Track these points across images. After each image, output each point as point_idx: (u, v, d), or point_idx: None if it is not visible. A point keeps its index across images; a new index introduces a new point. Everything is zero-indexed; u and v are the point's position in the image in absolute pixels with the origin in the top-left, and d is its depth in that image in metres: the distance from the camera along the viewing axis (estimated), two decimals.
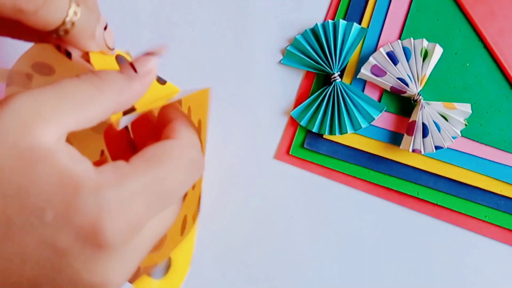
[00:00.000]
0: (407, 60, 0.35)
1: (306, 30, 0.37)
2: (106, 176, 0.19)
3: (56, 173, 0.18)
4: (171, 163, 0.20)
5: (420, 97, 0.34)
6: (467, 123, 0.34)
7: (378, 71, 0.35)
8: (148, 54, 0.22)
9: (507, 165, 0.35)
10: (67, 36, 0.21)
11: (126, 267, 0.20)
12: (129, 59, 0.25)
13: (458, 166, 0.35)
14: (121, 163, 0.20)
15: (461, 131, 0.34)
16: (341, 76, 0.36)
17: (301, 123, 0.36)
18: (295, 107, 0.37)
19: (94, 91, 0.20)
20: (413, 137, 0.34)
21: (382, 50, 0.35)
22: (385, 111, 0.36)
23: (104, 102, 0.20)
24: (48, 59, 0.24)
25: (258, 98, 0.37)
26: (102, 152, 0.28)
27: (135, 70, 0.22)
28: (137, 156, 0.20)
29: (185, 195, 0.25)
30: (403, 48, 0.35)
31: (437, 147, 0.34)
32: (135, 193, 0.19)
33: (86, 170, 0.18)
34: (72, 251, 0.18)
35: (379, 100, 0.36)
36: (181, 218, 0.26)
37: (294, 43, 0.37)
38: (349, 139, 0.36)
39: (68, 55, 0.22)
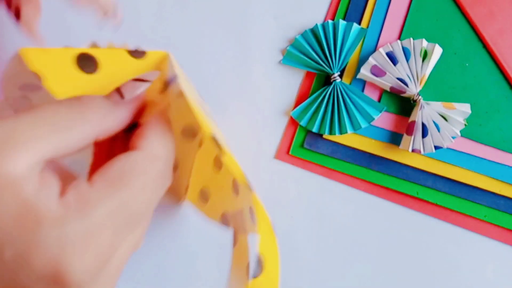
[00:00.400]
0: (407, 60, 0.35)
1: (306, 30, 0.37)
2: (68, 206, 0.17)
3: (16, 205, 0.17)
4: (136, 182, 0.19)
5: (420, 97, 0.34)
6: (466, 123, 0.34)
7: (377, 71, 0.35)
8: (138, 80, 0.21)
9: (506, 165, 0.35)
10: None
11: None
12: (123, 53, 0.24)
13: (457, 166, 0.35)
14: (83, 187, 0.18)
15: (460, 131, 0.34)
16: (341, 76, 0.36)
17: (301, 123, 0.36)
18: (295, 107, 0.37)
19: (75, 117, 0.19)
20: (412, 137, 0.34)
21: (381, 50, 0.35)
22: (385, 111, 0.36)
23: (85, 129, 0.19)
24: (30, 78, 0.22)
25: (258, 98, 0.37)
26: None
27: (121, 96, 0.21)
28: (100, 176, 0.19)
29: (220, 164, 0.24)
30: (403, 48, 0.35)
31: (436, 147, 0.34)
32: (101, 222, 0.18)
33: (49, 201, 0.17)
34: None
35: (379, 100, 0.36)
36: (229, 182, 0.25)
37: (294, 43, 0.37)
38: (349, 139, 0.36)
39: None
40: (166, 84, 0.22)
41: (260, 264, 0.22)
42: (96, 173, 0.19)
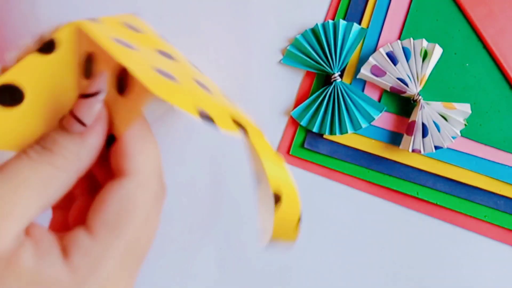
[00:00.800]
0: (407, 60, 0.35)
1: (306, 30, 0.37)
2: (78, 270, 0.16)
3: (25, 282, 0.16)
4: (137, 218, 0.17)
5: (420, 97, 0.34)
6: (466, 123, 0.34)
7: (378, 71, 0.35)
8: (85, 96, 0.18)
9: (506, 165, 0.35)
10: None
11: None
12: (137, 22, 0.21)
13: (457, 166, 0.35)
14: (86, 242, 0.17)
15: (460, 131, 0.34)
16: (341, 76, 0.36)
17: (301, 123, 0.36)
18: (295, 107, 0.37)
19: (50, 170, 0.17)
20: (412, 137, 0.34)
21: (381, 50, 0.35)
22: (385, 111, 0.36)
23: (64, 177, 0.17)
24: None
25: (258, 98, 0.37)
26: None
27: (82, 124, 0.18)
28: (98, 222, 0.17)
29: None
30: (403, 48, 0.35)
31: (436, 147, 0.34)
32: (114, 272, 0.17)
33: (56, 269, 0.16)
34: None
35: (379, 100, 0.36)
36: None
37: (294, 43, 0.37)
38: (349, 139, 0.36)
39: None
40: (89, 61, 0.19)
41: (276, 198, 0.20)
42: (92, 218, 0.17)
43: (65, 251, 0.17)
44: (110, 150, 0.19)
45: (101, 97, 0.18)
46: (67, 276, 0.16)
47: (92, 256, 0.17)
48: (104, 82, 0.18)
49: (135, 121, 0.19)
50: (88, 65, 0.19)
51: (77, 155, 0.18)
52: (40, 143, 0.18)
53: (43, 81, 0.18)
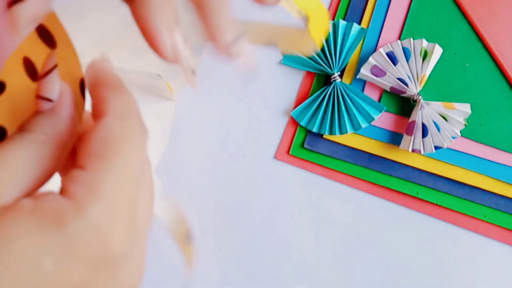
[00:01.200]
0: (407, 60, 0.35)
1: None
2: (78, 197, 0.17)
3: (26, 219, 0.17)
4: (120, 148, 0.18)
5: (420, 97, 0.34)
6: (466, 123, 0.34)
7: (377, 71, 0.35)
8: (43, 75, 0.19)
9: (506, 165, 0.35)
10: None
11: (141, 261, 0.19)
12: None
13: (457, 166, 0.35)
14: (79, 175, 0.18)
15: (460, 131, 0.34)
16: (341, 76, 0.36)
17: (301, 123, 0.36)
18: (295, 107, 0.37)
19: (35, 146, 0.18)
20: (412, 137, 0.34)
21: (381, 50, 0.35)
22: (385, 111, 0.36)
23: (51, 150, 0.19)
24: None
25: (258, 98, 0.37)
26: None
27: (49, 100, 0.19)
28: (87, 157, 0.18)
29: None
30: (403, 48, 0.35)
31: (436, 147, 0.34)
32: (114, 195, 0.18)
33: (56, 203, 0.17)
34: (90, 282, 0.17)
35: (379, 100, 0.36)
36: None
37: None
38: (349, 139, 0.36)
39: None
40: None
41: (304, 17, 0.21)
42: (81, 156, 0.19)
43: (61, 190, 0.18)
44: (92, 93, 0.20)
45: (55, 72, 0.19)
46: (66, 202, 0.17)
47: (86, 183, 0.18)
48: (54, 57, 0.19)
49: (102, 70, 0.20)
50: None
51: (55, 129, 0.19)
52: (21, 128, 0.19)
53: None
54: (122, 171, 0.18)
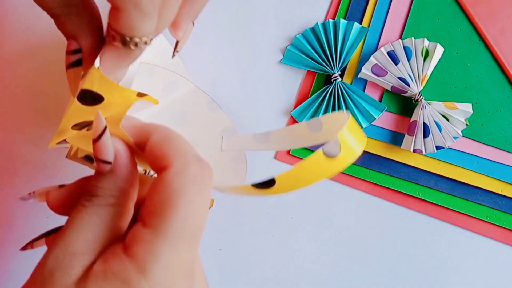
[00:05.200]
0: (408, 60, 0.34)
1: (306, 29, 0.36)
2: (138, 257, 0.19)
3: (97, 284, 0.19)
4: (179, 203, 0.19)
5: (421, 96, 0.34)
6: (468, 123, 0.34)
7: (379, 71, 0.35)
8: (96, 140, 0.21)
9: (508, 165, 0.35)
10: (137, 48, 0.21)
11: None
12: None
13: (459, 166, 0.35)
14: (139, 231, 0.19)
15: (462, 131, 0.34)
16: (341, 75, 0.36)
17: None
18: (295, 106, 0.37)
19: (103, 209, 0.20)
20: (414, 137, 0.34)
21: (383, 50, 0.35)
22: (386, 111, 0.35)
23: (119, 209, 0.21)
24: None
25: (259, 97, 0.37)
26: None
27: (107, 162, 0.21)
28: (148, 214, 0.19)
29: None
30: (404, 47, 0.35)
31: (438, 147, 0.34)
32: (171, 251, 0.19)
33: (120, 262, 0.19)
34: None
35: (380, 100, 0.36)
36: None
37: (294, 42, 0.36)
38: None
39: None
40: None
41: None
42: (144, 213, 0.20)
43: (125, 246, 0.20)
44: (145, 154, 0.21)
45: (107, 134, 0.20)
46: (130, 264, 0.18)
47: (146, 243, 0.19)
48: (102, 121, 0.20)
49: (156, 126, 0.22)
50: None
51: (118, 189, 0.21)
52: (88, 193, 0.21)
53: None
54: (179, 230, 0.19)
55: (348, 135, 0.22)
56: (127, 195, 0.21)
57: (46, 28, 0.38)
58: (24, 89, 0.38)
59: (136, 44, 0.21)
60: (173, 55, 0.28)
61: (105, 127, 0.20)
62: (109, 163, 0.20)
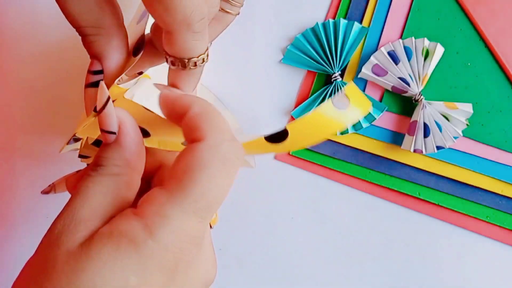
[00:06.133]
0: (409, 60, 0.34)
1: (306, 29, 0.36)
2: (146, 216, 0.19)
3: (103, 241, 0.19)
4: (202, 177, 0.19)
5: (422, 96, 0.34)
6: (468, 123, 0.34)
7: (379, 71, 0.35)
8: (99, 111, 0.21)
9: (508, 165, 0.35)
10: (196, 67, 0.22)
11: (211, 255, 0.23)
12: None
13: (459, 166, 0.35)
14: (154, 193, 0.20)
15: (462, 131, 0.34)
16: (342, 75, 0.36)
17: None
18: (295, 106, 0.36)
19: (109, 179, 0.21)
20: (414, 137, 0.34)
21: (383, 50, 0.35)
22: (386, 111, 0.35)
23: (124, 179, 0.21)
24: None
25: (259, 97, 0.37)
26: None
27: (112, 133, 0.21)
28: (168, 177, 0.20)
29: None
30: (404, 47, 0.35)
31: (438, 147, 0.33)
32: (181, 218, 0.19)
33: (128, 221, 0.19)
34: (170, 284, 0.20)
35: (380, 100, 0.36)
36: None
37: (295, 42, 0.36)
38: (350, 139, 0.36)
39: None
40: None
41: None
42: (166, 176, 0.20)
43: (137, 204, 0.20)
44: (182, 124, 0.22)
45: (110, 105, 0.21)
46: (137, 223, 0.19)
47: (157, 205, 0.19)
48: (105, 92, 0.21)
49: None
50: None
51: (123, 159, 0.21)
52: (94, 163, 0.21)
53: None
54: (195, 200, 0.19)
55: (355, 89, 0.22)
56: (132, 165, 0.21)
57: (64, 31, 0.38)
58: (37, 91, 0.38)
59: (195, 64, 0.22)
60: None
61: (108, 97, 0.20)
62: (114, 133, 0.21)
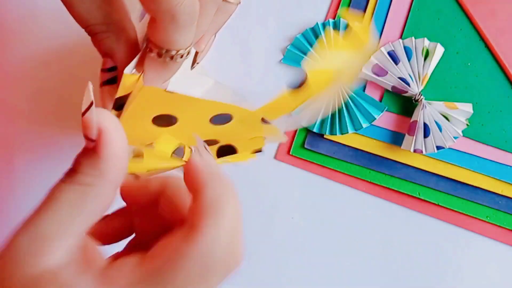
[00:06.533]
0: (408, 60, 0.34)
1: (306, 29, 0.36)
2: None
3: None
4: (184, 278, 0.19)
5: (422, 96, 0.34)
6: (468, 123, 0.34)
7: (379, 71, 0.35)
8: (84, 112, 0.19)
9: (508, 165, 0.35)
10: (173, 61, 0.21)
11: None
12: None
13: (459, 166, 0.35)
14: (129, 266, 0.19)
15: (462, 131, 0.34)
16: None
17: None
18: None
19: (79, 188, 0.19)
20: (414, 137, 0.34)
21: (383, 50, 0.35)
22: (386, 110, 0.35)
23: (94, 191, 0.19)
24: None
25: (258, 97, 0.37)
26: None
27: (91, 140, 0.19)
28: (150, 259, 0.19)
29: None
30: (404, 47, 0.35)
31: (438, 147, 0.33)
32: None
33: (88, 285, 0.18)
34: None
35: (380, 100, 0.36)
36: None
37: (295, 42, 0.36)
38: (350, 139, 0.36)
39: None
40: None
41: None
42: (146, 256, 0.19)
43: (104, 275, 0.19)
44: (190, 206, 0.21)
45: (92, 111, 0.19)
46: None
47: (129, 280, 0.18)
48: (89, 95, 0.19)
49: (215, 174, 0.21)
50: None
51: (98, 169, 0.19)
52: (71, 167, 0.20)
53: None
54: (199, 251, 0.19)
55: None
56: (107, 177, 0.19)
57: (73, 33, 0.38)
58: (50, 90, 0.38)
59: (172, 57, 0.21)
60: (193, 67, 0.28)
61: (91, 103, 0.19)
62: (93, 140, 0.19)
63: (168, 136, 0.24)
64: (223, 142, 0.28)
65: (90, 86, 0.19)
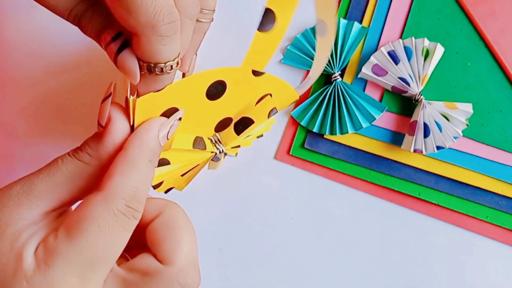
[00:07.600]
0: (408, 60, 0.34)
1: (306, 29, 0.36)
2: (39, 259, 0.20)
3: (7, 256, 0.20)
4: (90, 227, 0.20)
5: (422, 96, 0.34)
6: (468, 123, 0.34)
7: (379, 71, 0.35)
8: (102, 100, 0.22)
9: (508, 165, 0.35)
10: (163, 73, 0.21)
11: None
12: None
13: (459, 166, 0.35)
14: (50, 240, 0.20)
15: (462, 131, 0.34)
16: (341, 75, 0.36)
17: (301, 123, 0.36)
18: (295, 107, 0.36)
19: (78, 164, 0.22)
20: (414, 137, 0.34)
21: (383, 50, 0.35)
22: (386, 110, 0.35)
23: (89, 169, 0.22)
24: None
25: None
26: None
27: (101, 126, 0.22)
28: (62, 227, 0.21)
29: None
30: (404, 47, 0.35)
31: (438, 147, 0.33)
32: (64, 271, 0.20)
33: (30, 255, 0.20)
34: None
35: (380, 100, 0.36)
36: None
37: (294, 42, 0.36)
38: (350, 139, 0.36)
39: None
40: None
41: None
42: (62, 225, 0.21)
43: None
44: (147, 230, 0.23)
45: (108, 101, 0.21)
46: (31, 262, 0.20)
47: (49, 251, 0.20)
48: (111, 88, 0.21)
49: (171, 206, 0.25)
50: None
51: (97, 151, 0.21)
52: (80, 146, 0.22)
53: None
54: (81, 253, 0.20)
55: None
56: (102, 161, 0.22)
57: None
58: (40, 93, 0.38)
59: (161, 70, 0.21)
60: None
61: (110, 94, 0.21)
62: (102, 126, 0.22)
63: (178, 133, 0.25)
64: (236, 117, 0.28)
65: (114, 81, 0.22)
